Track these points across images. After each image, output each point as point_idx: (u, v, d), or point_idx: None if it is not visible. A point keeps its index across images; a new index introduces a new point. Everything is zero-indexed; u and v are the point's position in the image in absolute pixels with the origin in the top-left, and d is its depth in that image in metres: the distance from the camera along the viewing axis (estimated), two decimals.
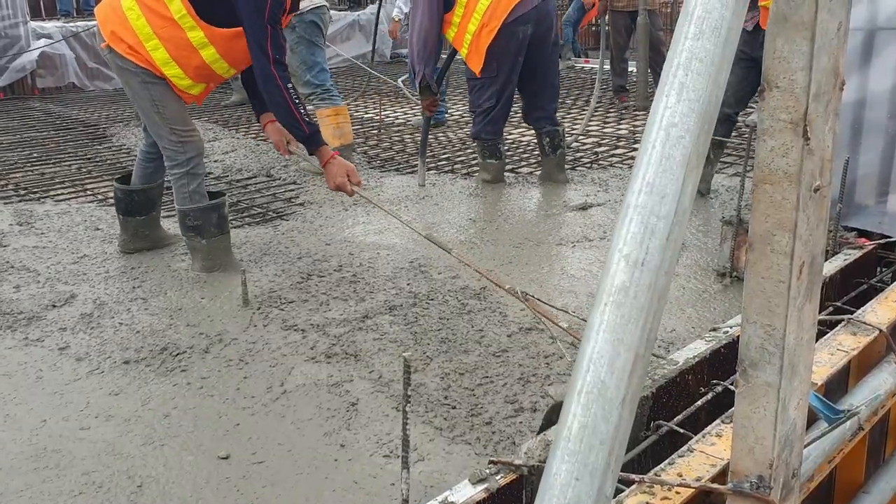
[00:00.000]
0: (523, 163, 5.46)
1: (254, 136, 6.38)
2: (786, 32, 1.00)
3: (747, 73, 3.90)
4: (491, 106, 4.61)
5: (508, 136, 6.26)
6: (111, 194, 4.73)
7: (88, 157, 5.81)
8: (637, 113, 7.21)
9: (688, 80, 0.78)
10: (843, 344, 1.97)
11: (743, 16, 0.84)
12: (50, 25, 9.09)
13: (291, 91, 3.05)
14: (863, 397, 1.78)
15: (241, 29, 3.08)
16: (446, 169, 5.27)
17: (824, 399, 1.50)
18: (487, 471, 1.51)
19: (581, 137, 6.12)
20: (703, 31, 0.79)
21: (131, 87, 3.26)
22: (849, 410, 1.51)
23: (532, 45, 4.51)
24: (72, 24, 9.35)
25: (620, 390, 0.72)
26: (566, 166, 4.96)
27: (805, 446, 1.32)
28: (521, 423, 2.23)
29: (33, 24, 8.78)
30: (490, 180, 4.81)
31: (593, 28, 12.38)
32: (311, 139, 3.12)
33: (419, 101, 4.76)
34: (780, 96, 1.04)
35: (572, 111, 7.45)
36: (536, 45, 4.53)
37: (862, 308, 2.17)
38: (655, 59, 7.35)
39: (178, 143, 3.27)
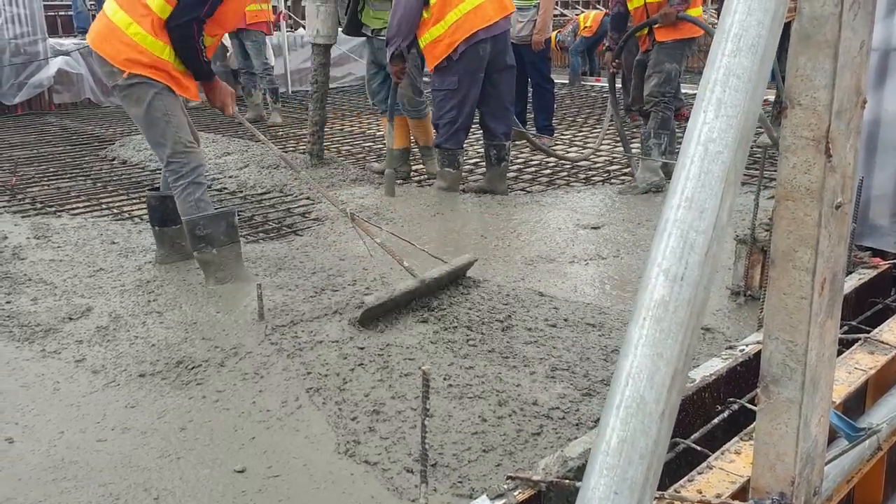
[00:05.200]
0: (536, 183, 5.48)
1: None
2: (808, 51, 1.02)
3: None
4: (453, 118, 4.91)
5: (518, 157, 6.28)
6: (126, 209, 4.79)
7: (104, 171, 5.87)
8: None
9: (725, 96, 0.79)
10: (861, 363, 1.96)
11: (778, 34, 0.85)
12: (68, 42, 9.21)
13: (201, 42, 3.39)
14: (881, 416, 1.78)
15: (224, 4, 3.38)
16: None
17: (844, 417, 1.50)
18: (505, 486, 1.51)
19: (592, 156, 6.14)
20: (739, 49, 0.80)
21: (144, 101, 3.35)
22: (869, 429, 1.51)
23: (490, 61, 4.84)
24: None
25: (660, 405, 0.73)
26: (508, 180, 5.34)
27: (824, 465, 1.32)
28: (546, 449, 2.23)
29: (51, 41, 8.91)
30: (446, 188, 5.08)
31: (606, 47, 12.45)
32: (207, 74, 3.51)
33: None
34: (802, 114, 1.05)
35: (584, 129, 7.48)
36: (493, 61, 4.86)
37: (879, 327, 2.16)
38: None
39: (182, 153, 3.41)
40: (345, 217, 3.25)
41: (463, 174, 5.27)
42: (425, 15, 4.77)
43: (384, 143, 6.76)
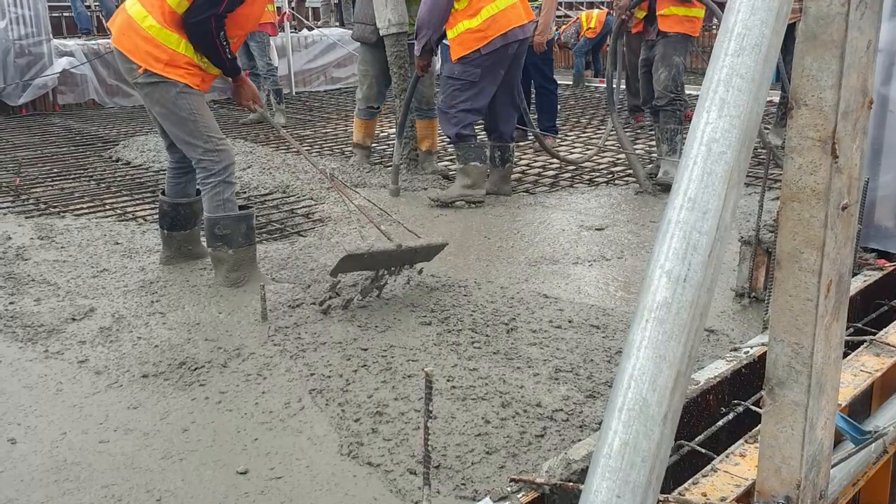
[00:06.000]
0: (539, 184, 5.47)
1: (273, 149, 6.42)
2: (815, 51, 1.01)
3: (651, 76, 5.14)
4: (467, 108, 4.76)
5: (522, 159, 6.27)
6: (130, 209, 4.79)
7: (107, 172, 5.87)
8: (652, 132, 7.20)
9: (729, 95, 0.78)
10: (866, 365, 1.95)
11: (782, 34, 0.84)
12: (72, 43, 9.22)
13: (222, 37, 3.30)
14: (887, 419, 1.77)
15: (244, 6, 3.31)
16: None
17: (850, 420, 1.49)
18: (509, 488, 1.50)
19: (595, 157, 6.13)
20: (743, 48, 0.79)
21: (167, 100, 3.29)
22: (875, 432, 1.50)
23: (508, 66, 4.75)
24: (93, 41, 9.49)
25: (662, 407, 0.72)
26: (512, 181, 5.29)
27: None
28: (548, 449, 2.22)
29: (56, 41, 8.92)
30: (471, 185, 4.80)
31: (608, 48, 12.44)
32: (233, 69, 3.46)
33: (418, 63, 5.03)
34: (808, 114, 1.04)
35: (587, 130, 7.46)
36: (509, 67, 4.76)
37: (884, 329, 2.15)
38: None
39: (213, 151, 3.35)
40: (324, 178, 3.42)
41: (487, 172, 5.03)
42: (457, 6, 4.70)
43: (389, 144, 6.77)
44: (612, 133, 5.58)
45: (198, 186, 3.71)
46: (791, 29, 4.04)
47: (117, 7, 10.96)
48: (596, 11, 11.26)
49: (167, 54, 3.25)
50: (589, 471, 0.74)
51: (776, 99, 6.85)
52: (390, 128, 7.36)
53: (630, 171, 5.67)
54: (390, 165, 5.41)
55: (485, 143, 4.95)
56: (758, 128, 0.84)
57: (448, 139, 5.07)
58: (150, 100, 3.36)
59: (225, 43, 3.33)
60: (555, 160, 6.05)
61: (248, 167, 5.86)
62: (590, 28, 10.91)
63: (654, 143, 6.73)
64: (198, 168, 3.40)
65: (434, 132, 5.62)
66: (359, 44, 5.93)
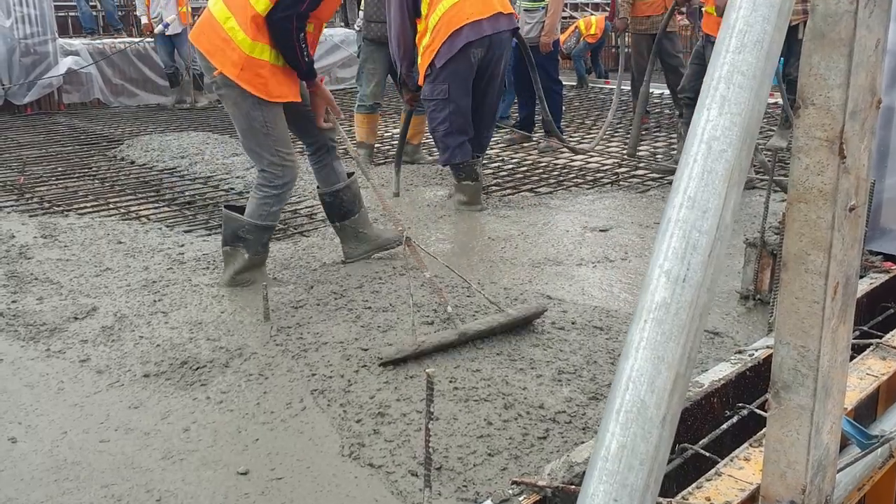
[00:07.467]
0: (542, 183, 5.45)
1: None
2: (822, 49, 0.99)
3: (701, 69, 5.17)
4: (447, 130, 4.54)
5: (527, 158, 6.26)
6: (133, 209, 4.79)
7: (111, 171, 5.87)
8: (657, 134, 7.19)
9: (729, 93, 0.77)
10: (873, 368, 1.93)
11: (784, 30, 0.83)
12: (77, 42, 9.24)
13: (302, 39, 3.24)
14: (893, 424, 1.75)
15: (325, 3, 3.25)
16: None
17: (856, 424, 1.47)
18: (511, 491, 1.49)
19: (600, 158, 6.11)
20: (744, 45, 0.78)
21: (242, 108, 3.27)
22: (881, 436, 1.48)
23: (480, 68, 4.50)
24: (98, 41, 9.51)
25: (661, 409, 0.70)
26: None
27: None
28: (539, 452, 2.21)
29: (61, 41, 8.94)
30: (467, 202, 4.72)
31: (613, 49, 12.47)
32: (309, 73, 3.37)
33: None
34: (815, 114, 1.03)
35: (592, 131, 7.45)
36: (483, 69, 4.52)
37: (891, 332, 2.14)
38: (675, 81, 7.33)
39: (279, 165, 3.34)
40: (399, 242, 3.07)
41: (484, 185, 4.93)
42: (420, 27, 4.46)
43: (392, 144, 6.76)
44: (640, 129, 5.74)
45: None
46: (789, 32, 4.07)
47: (115, 8, 10.87)
48: (595, 18, 11.35)
49: (239, 56, 3.18)
50: (586, 474, 0.73)
51: (780, 101, 6.83)
52: (394, 127, 7.35)
53: (634, 173, 5.65)
54: (393, 161, 5.41)
55: (476, 161, 4.80)
56: (759, 125, 0.83)
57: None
58: (225, 102, 3.36)
59: (304, 45, 3.26)
60: (558, 160, 6.04)
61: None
62: (590, 34, 10.98)
63: (657, 145, 6.72)
64: (259, 175, 3.39)
65: (423, 128, 5.62)
66: (362, 42, 5.99)
